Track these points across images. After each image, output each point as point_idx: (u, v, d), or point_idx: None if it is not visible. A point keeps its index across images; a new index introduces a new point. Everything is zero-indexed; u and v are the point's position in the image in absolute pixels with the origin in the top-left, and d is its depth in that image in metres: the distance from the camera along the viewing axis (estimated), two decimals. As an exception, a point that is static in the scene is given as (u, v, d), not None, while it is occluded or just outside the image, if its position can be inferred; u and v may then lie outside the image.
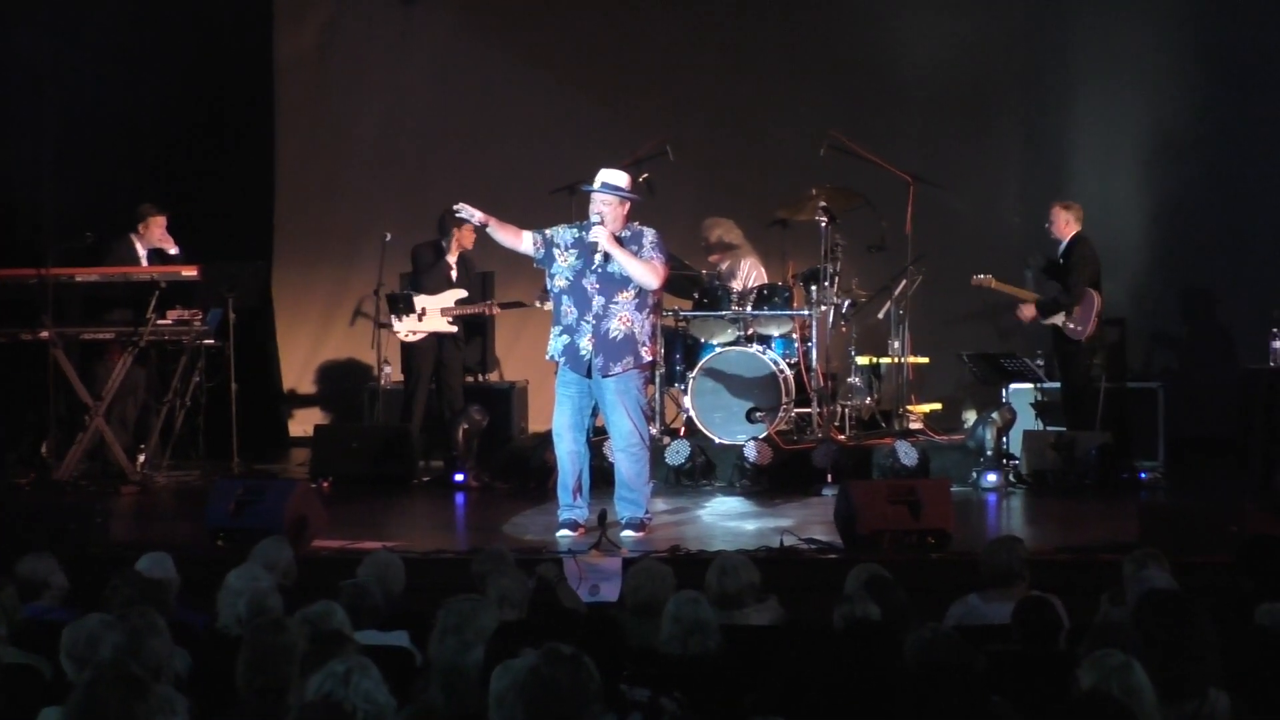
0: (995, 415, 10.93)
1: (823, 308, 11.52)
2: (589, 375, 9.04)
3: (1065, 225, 11.28)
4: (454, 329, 12.02)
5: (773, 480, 10.94)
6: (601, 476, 9.64)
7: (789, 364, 11.35)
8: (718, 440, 11.19)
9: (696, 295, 11.68)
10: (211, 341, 11.39)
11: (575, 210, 10.15)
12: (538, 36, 13.88)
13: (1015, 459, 11.02)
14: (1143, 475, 11.01)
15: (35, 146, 13.23)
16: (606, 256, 8.94)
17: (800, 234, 11.91)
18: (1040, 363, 11.59)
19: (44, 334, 11.02)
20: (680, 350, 11.67)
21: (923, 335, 12.26)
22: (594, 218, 8.99)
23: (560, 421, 9.15)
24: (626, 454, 9.11)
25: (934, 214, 12.16)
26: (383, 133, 14.07)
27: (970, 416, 12.19)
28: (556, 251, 9.09)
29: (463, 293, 12.02)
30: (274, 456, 12.90)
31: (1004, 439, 10.94)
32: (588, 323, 9.00)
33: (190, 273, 11.17)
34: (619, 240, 8.97)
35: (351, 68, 14.11)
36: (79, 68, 13.26)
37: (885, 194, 11.80)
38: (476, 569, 6.31)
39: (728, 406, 11.21)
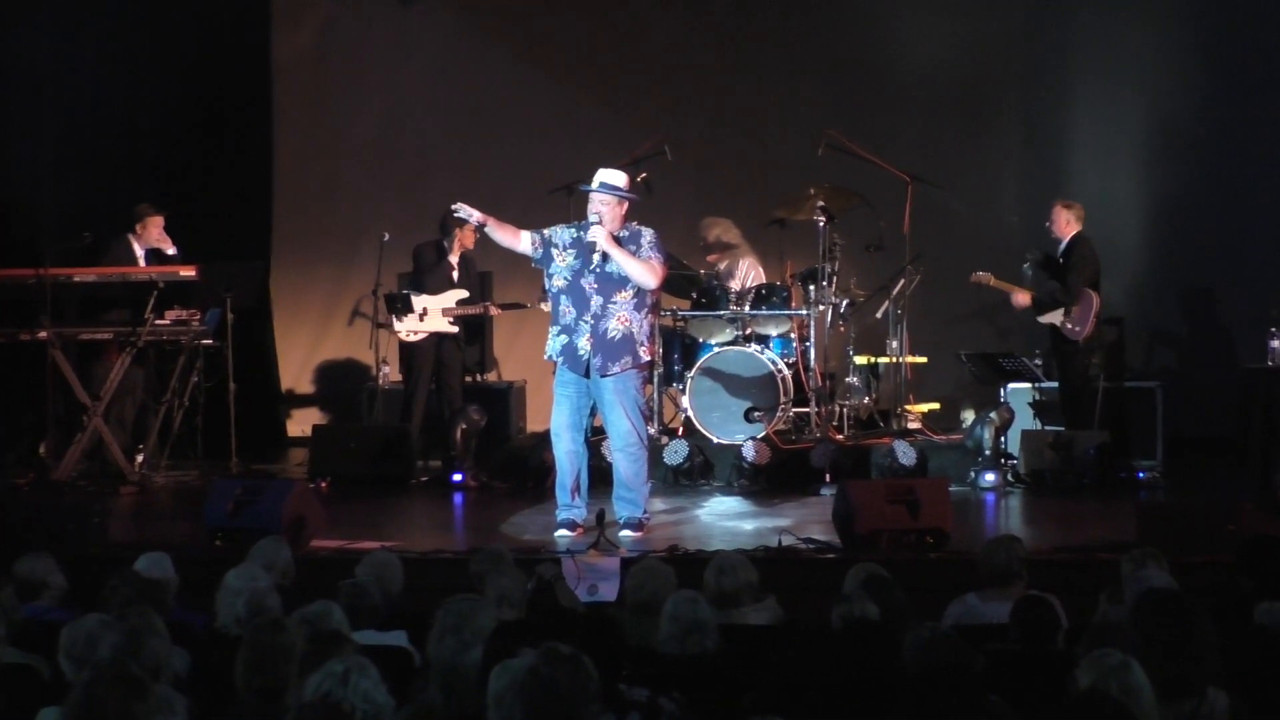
0: (993, 415, 10.93)
1: (821, 307, 11.52)
2: (587, 375, 9.04)
3: (1066, 225, 11.27)
4: (455, 329, 12.02)
5: (771, 480, 10.94)
6: (600, 476, 9.65)
7: (787, 364, 11.35)
8: (716, 440, 11.19)
9: (695, 295, 11.68)
10: (210, 341, 11.39)
11: (574, 210, 10.15)
12: (536, 36, 13.88)
13: (1013, 458, 11.02)
14: (1141, 475, 11.01)
15: (34, 146, 13.27)
16: (605, 256, 8.94)
17: (798, 233, 11.91)
18: (1038, 362, 11.59)
19: (42, 334, 11.01)
20: (678, 350, 11.67)
21: (921, 335, 12.26)
22: (592, 217, 8.99)
23: (558, 421, 9.15)
24: (625, 454, 9.11)
25: (932, 214, 12.16)
26: (381, 133, 14.06)
27: (968, 416, 12.17)
28: (555, 251, 9.09)
29: (464, 293, 12.02)
30: (272, 456, 12.89)
31: (1002, 438, 10.94)
32: (586, 322, 9.00)
33: (189, 273, 11.16)
34: (617, 240, 8.97)
35: (350, 68, 14.11)
36: (78, 68, 13.28)
37: (883, 193, 11.80)
38: (475, 568, 6.31)
39: (726, 406, 11.21)
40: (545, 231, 9.14)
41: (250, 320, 12.60)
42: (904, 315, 11.82)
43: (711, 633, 5.41)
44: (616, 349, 8.99)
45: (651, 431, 10.72)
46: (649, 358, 9.30)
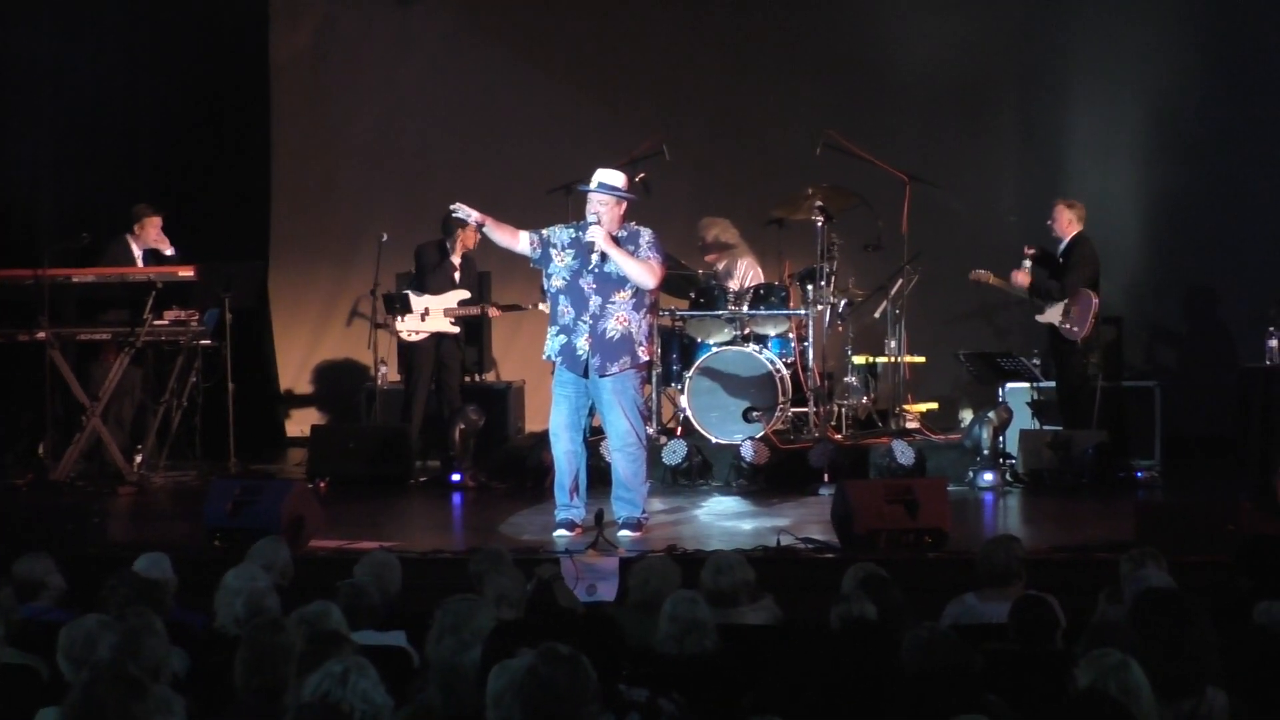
0: (992, 414, 10.93)
1: (819, 307, 11.51)
2: (586, 375, 9.04)
3: (1068, 224, 11.27)
4: (456, 329, 12.02)
5: (769, 480, 10.94)
6: (598, 476, 9.65)
7: (786, 363, 11.35)
8: (714, 440, 11.19)
9: (693, 295, 11.68)
10: (208, 342, 11.38)
11: (572, 210, 10.16)
12: (534, 36, 13.88)
13: (1012, 458, 11.02)
14: (1139, 474, 11.02)
15: (33, 147, 13.25)
16: (603, 256, 8.94)
17: (797, 233, 11.91)
18: (1037, 362, 11.59)
19: (41, 334, 11.01)
20: (677, 350, 11.67)
21: (919, 334, 12.26)
22: (591, 218, 8.99)
23: (557, 421, 9.15)
24: (623, 454, 9.11)
25: (930, 213, 12.16)
26: (379, 133, 14.06)
27: (967, 416, 12.18)
28: (553, 251, 9.09)
29: (466, 293, 12.01)
30: (271, 457, 12.90)
31: (1000, 438, 10.94)
32: (585, 322, 9.00)
33: (187, 273, 11.17)
34: (616, 240, 8.97)
35: (348, 68, 14.11)
36: (76, 69, 13.28)
37: (882, 193, 11.80)
38: (474, 568, 6.30)
39: (724, 406, 11.21)
40: (544, 231, 9.14)
41: (249, 320, 12.61)
42: (902, 315, 11.82)
43: (710, 633, 5.41)
44: (615, 349, 9.00)
45: (650, 431, 10.71)
46: (647, 358, 9.30)
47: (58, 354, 11.06)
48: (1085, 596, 6.00)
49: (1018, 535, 7.38)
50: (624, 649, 4.81)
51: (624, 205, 9.06)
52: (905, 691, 4.52)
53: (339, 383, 13.83)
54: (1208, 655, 4.36)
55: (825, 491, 10.22)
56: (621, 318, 9.00)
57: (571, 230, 9.13)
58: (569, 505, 9.14)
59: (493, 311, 12.24)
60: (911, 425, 11.88)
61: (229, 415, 11.52)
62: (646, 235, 9.06)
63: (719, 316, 11.55)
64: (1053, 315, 11.16)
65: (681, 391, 11.33)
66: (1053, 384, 11.46)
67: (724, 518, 10.00)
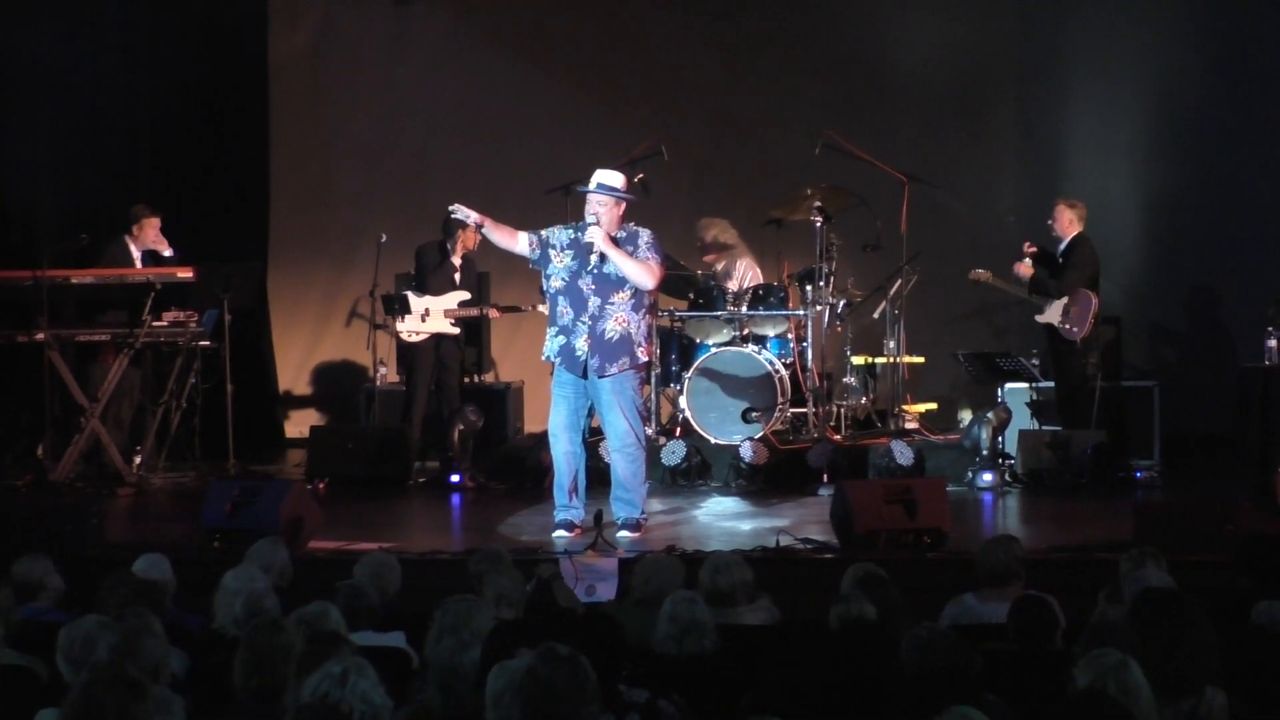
0: (991, 414, 10.93)
1: (818, 307, 11.51)
2: (585, 376, 9.04)
3: (1069, 224, 11.27)
4: (456, 330, 12.01)
5: (768, 480, 10.95)
6: (597, 477, 9.65)
7: (784, 364, 11.35)
8: (713, 440, 11.19)
9: (692, 295, 11.67)
10: (207, 343, 11.37)
11: (571, 210, 10.15)
12: (533, 36, 13.89)
13: (1011, 458, 11.02)
14: (1138, 474, 11.02)
15: (31, 147, 13.25)
16: (602, 257, 8.94)
17: (795, 234, 11.91)
18: (1035, 362, 11.59)
19: (39, 335, 11.01)
20: (676, 350, 11.67)
21: (918, 335, 12.26)
22: (590, 218, 8.99)
23: (556, 422, 9.15)
24: (622, 454, 9.11)
25: (929, 213, 12.16)
26: (378, 133, 14.06)
27: (966, 416, 12.19)
28: (552, 252, 9.09)
29: (466, 294, 12.01)
30: (270, 458, 12.89)
31: (999, 438, 10.94)
32: (583, 323, 9.00)
33: (186, 274, 11.17)
34: (615, 241, 8.97)
35: (346, 68, 14.11)
36: (76, 69, 13.27)
37: (880, 193, 11.80)
38: (474, 568, 6.30)
39: (723, 407, 11.21)
40: (543, 232, 9.14)
41: (248, 321, 12.61)
42: (901, 315, 11.82)
43: (709, 633, 5.41)
44: (614, 350, 9.00)
45: (649, 432, 10.71)
46: (646, 358, 9.31)
47: (57, 355, 11.06)
48: (1084, 596, 6.00)
49: (1017, 535, 7.39)
50: (624, 649, 4.81)
51: (623, 206, 9.07)
52: (904, 691, 4.52)
53: (338, 384, 13.83)
54: (1207, 655, 4.36)
55: (824, 492, 10.22)
56: (620, 318, 9.00)
57: (570, 231, 9.13)
58: (568, 506, 9.14)
59: (492, 313, 12.24)
60: (910, 425, 11.88)
61: (228, 416, 11.51)
62: (645, 236, 9.06)
63: (718, 317, 11.55)
64: (1052, 315, 11.15)
65: (680, 392, 11.33)
66: (1051, 384, 11.46)
67: (723, 518, 10.00)
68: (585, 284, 9.01)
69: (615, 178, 9.08)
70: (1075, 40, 13.33)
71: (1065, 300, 11.09)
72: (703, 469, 11.15)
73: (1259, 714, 4.51)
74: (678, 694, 4.61)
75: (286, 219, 14.03)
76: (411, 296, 11.90)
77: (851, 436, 11.59)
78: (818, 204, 11.55)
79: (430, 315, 11.90)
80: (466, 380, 12.52)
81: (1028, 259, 11.31)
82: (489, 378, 13.17)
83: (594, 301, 9.00)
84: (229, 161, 13.81)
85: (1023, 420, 11.35)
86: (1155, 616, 4.42)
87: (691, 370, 11.25)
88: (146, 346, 11.28)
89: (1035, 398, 11.48)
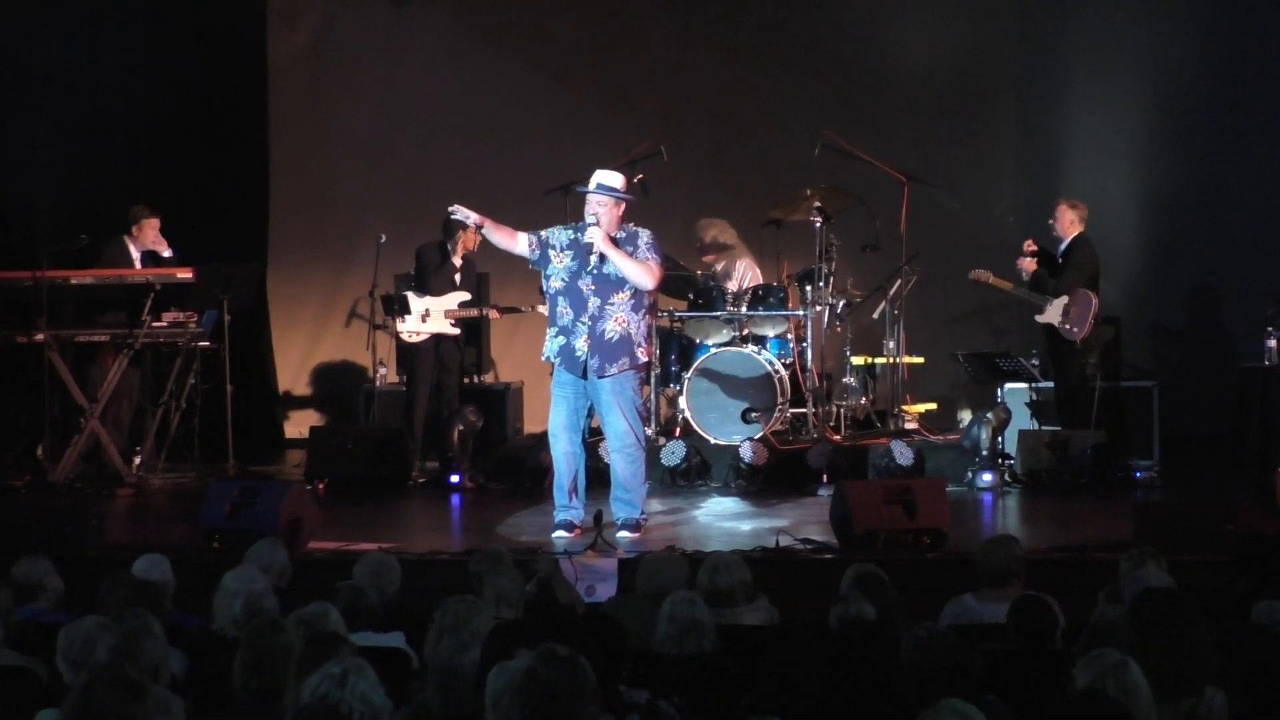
0: (990, 415, 10.93)
1: (817, 308, 11.51)
2: (584, 376, 9.04)
3: (1069, 224, 11.26)
4: (456, 331, 12.01)
5: (768, 480, 10.94)
6: (597, 477, 9.65)
7: (784, 364, 11.35)
8: (713, 441, 11.18)
9: (691, 296, 11.67)
10: (206, 343, 11.38)
11: (571, 211, 10.15)
12: (532, 36, 13.89)
13: (1010, 458, 11.02)
14: (1138, 474, 11.01)
15: (31, 148, 13.25)
16: (602, 257, 8.94)
17: (795, 234, 11.91)
18: (1035, 362, 11.59)
19: (39, 336, 11.01)
20: (675, 351, 11.67)
21: (918, 335, 12.26)
22: (589, 219, 8.99)
23: (556, 422, 9.15)
24: (622, 455, 9.11)
25: (929, 213, 12.16)
26: (377, 134, 14.07)
27: (965, 416, 12.19)
28: (552, 253, 9.09)
29: (466, 295, 12.00)
30: (269, 458, 12.89)
31: (999, 438, 10.94)
32: (583, 324, 9.00)
33: (185, 275, 11.17)
34: (614, 241, 8.97)
35: (345, 69, 14.11)
36: (75, 70, 13.27)
37: (880, 194, 11.80)
38: (474, 569, 6.30)
39: (723, 407, 11.21)
40: (542, 233, 9.14)
41: (247, 322, 12.61)
42: (901, 315, 11.82)
43: (709, 633, 5.41)
44: (614, 350, 9.00)
45: (649, 432, 10.71)
46: (646, 359, 9.31)
47: (56, 356, 11.06)
48: (1084, 596, 5.99)
49: (1016, 535, 7.38)
50: (624, 649, 4.81)
51: (622, 206, 9.06)
52: (904, 692, 4.51)
53: (337, 384, 13.83)
54: (1206, 655, 4.36)
55: (824, 492, 10.22)
56: (620, 319, 9.00)
57: (570, 231, 9.12)
58: (568, 506, 9.14)
59: (492, 313, 12.24)
60: (910, 426, 11.88)
61: (227, 417, 11.51)
62: (645, 236, 9.06)
63: (717, 317, 11.55)
64: (1052, 315, 11.14)
65: (680, 392, 11.33)
66: (1051, 384, 11.46)
67: (723, 518, 10.00)
68: (585, 284, 9.01)
69: (615, 178, 9.08)
70: (1075, 40, 13.33)
71: (1065, 300, 11.09)
72: (702, 469, 11.14)
73: (1259, 714, 4.51)
74: (678, 694, 4.61)
75: (286, 219, 14.03)
76: (411, 297, 11.90)
77: (851, 437, 11.59)
78: (817, 204, 11.55)
79: (430, 316, 11.89)
80: (466, 381, 12.52)
81: (1030, 256, 11.31)
82: (489, 378, 13.17)
83: (594, 302, 9.00)
84: (228, 162, 13.81)
85: (1022, 420, 11.35)
86: (1155, 616, 4.42)
87: (691, 370, 11.25)
88: (146, 347, 11.28)
89: (1035, 398, 11.48)
